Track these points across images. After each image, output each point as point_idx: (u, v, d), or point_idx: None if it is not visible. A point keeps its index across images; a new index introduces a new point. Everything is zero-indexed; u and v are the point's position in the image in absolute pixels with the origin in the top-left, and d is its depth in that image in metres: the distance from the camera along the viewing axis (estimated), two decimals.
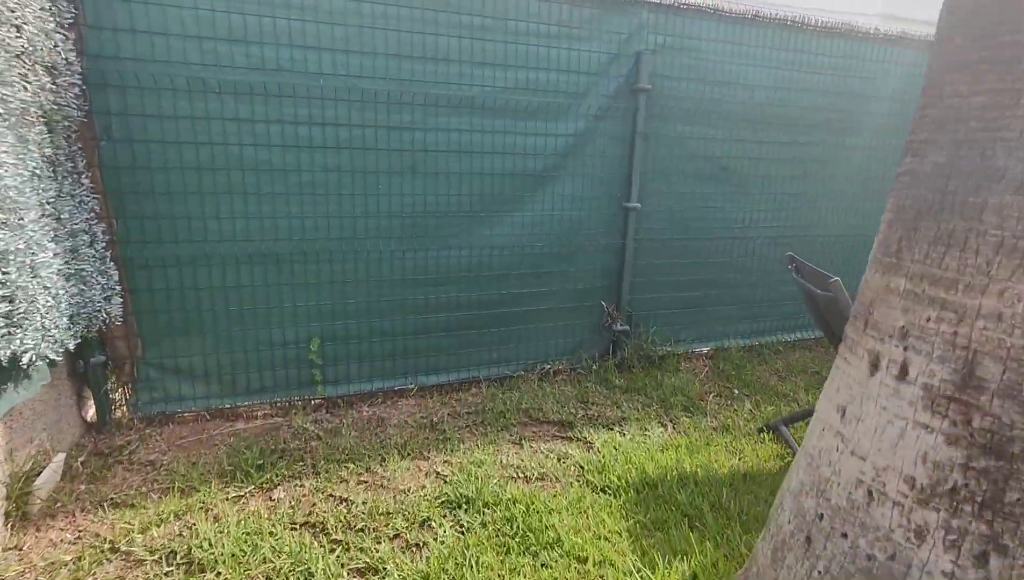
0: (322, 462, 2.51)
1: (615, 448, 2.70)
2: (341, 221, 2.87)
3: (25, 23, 1.90)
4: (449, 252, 3.12)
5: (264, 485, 2.35)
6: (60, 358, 2.08)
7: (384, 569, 1.89)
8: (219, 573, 1.85)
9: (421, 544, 2.03)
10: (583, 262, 3.44)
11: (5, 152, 1.78)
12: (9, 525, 2.00)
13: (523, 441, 2.77)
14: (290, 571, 1.87)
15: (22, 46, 1.88)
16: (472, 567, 1.89)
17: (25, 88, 1.90)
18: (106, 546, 1.96)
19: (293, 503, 2.23)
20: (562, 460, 2.61)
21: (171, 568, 1.88)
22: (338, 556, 1.94)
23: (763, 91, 3.57)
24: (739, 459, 2.65)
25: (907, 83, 3.93)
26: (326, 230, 2.86)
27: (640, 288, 3.64)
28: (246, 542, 1.98)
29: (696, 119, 3.46)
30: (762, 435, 2.90)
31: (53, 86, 2.08)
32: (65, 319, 2.08)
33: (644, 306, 3.69)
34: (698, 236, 3.70)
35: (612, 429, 2.91)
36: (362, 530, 2.08)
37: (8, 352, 1.77)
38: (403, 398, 3.19)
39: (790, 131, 3.73)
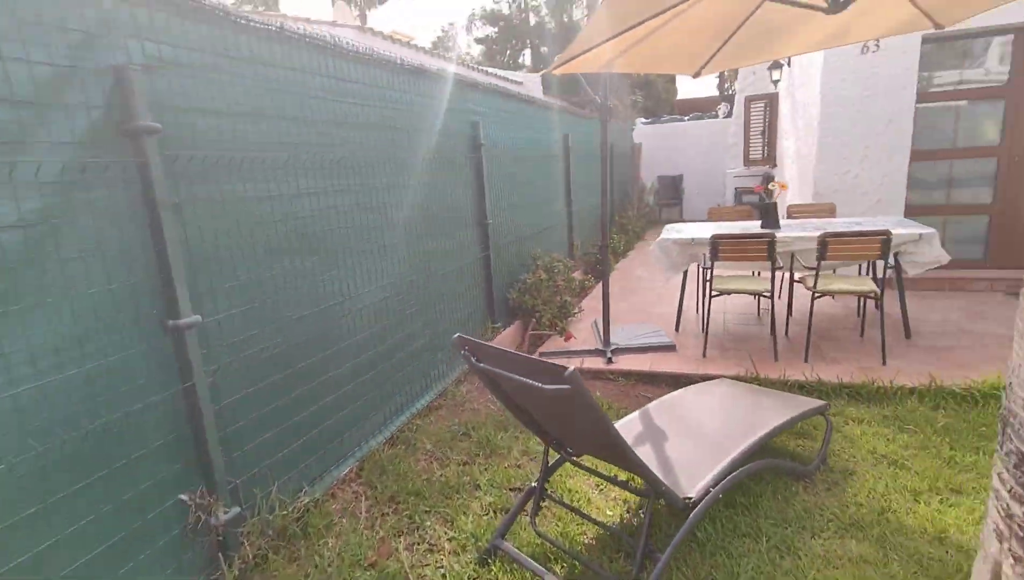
0: None
1: None
2: None
3: None
4: None
5: None
6: None
7: None
8: None
9: None
10: (125, 450, 1.84)
11: None
12: None
13: None
14: None
15: None
16: None
17: None
18: None
19: None
20: None
21: None
22: None
23: (317, 128, 2.74)
24: None
25: (450, 119, 3.90)
26: None
27: (238, 438, 2.29)
28: None
29: (250, 171, 2.33)
30: (490, 567, 2.19)
31: None
32: None
33: (253, 460, 2.36)
34: (297, 330, 2.60)
35: None
36: None
37: None
38: None
39: (360, 174, 3.06)
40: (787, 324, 4.68)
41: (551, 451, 2.31)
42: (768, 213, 4.68)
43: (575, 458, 2.32)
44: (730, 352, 4.24)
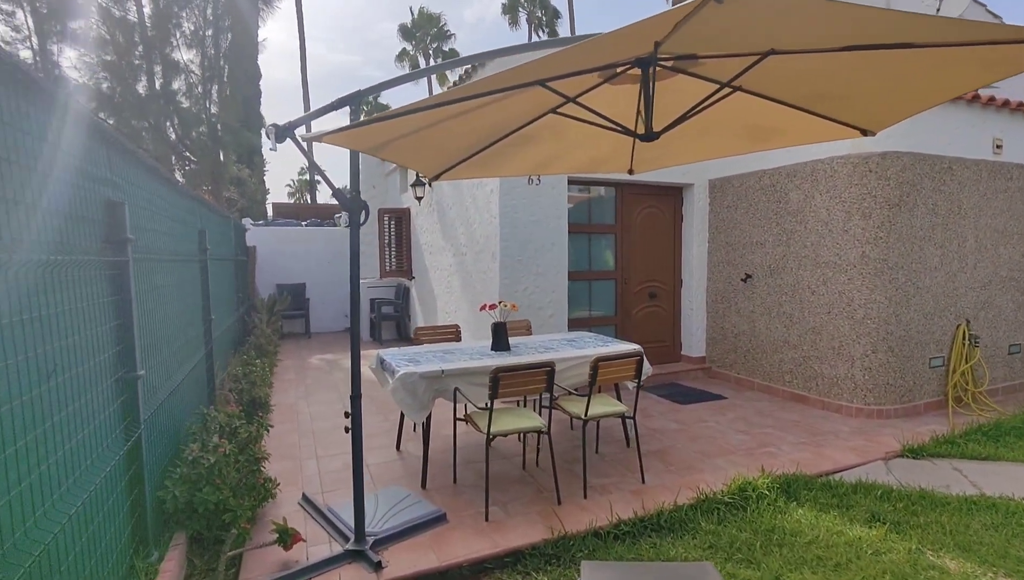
0: None
1: None
2: None
3: None
4: None
5: None
6: None
7: None
8: None
9: None
10: None
11: None
12: None
13: None
14: None
15: None
16: None
17: None
18: None
19: None
20: None
21: None
22: None
23: None
24: None
25: None
26: None
27: None
28: None
29: None
30: None
31: None
32: None
33: None
34: None
35: None
36: None
37: None
38: None
39: None
40: (551, 457, 4.31)
41: None
42: (499, 334, 4.34)
43: None
44: (509, 507, 3.51)
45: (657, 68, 2.60)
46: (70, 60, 12.61)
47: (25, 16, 12.42)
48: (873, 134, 3.13)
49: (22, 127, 1.72)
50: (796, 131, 3.30)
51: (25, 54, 12.44)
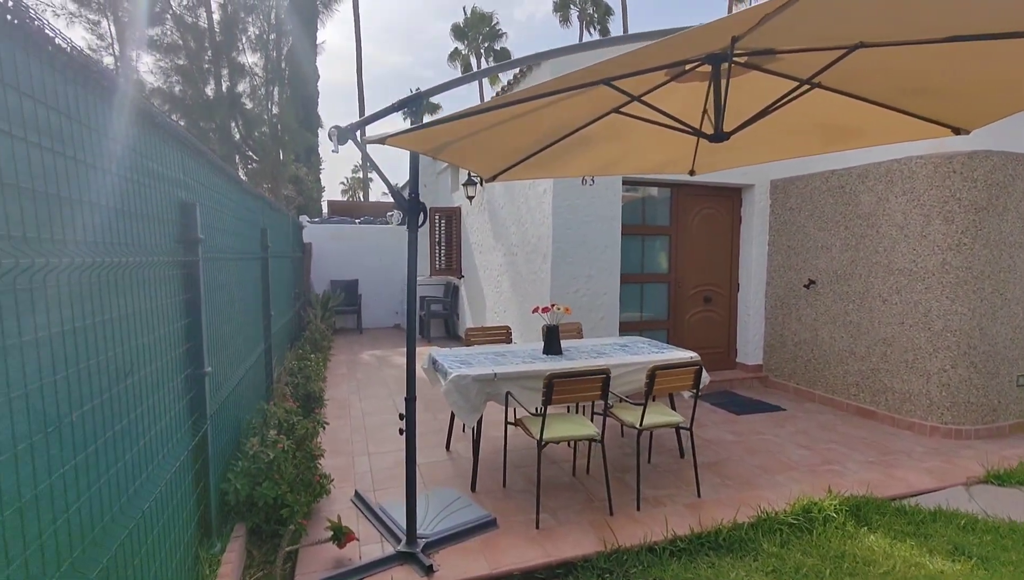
0: None
1: None
2: None
3: None
4: None
5: None
6: None
7: None
8: None
9: None
10: None
11: None
12: None
13: None
14: None
15: None
16: None
17: None
18: None
19: None
20: None
21: None
22: None
23: None
24: None
25: None
26: None
27: None
28: None
29: None
30: None
31: None
32: None
33: None
34: None
35: None
36: None
37: None
38: None
39: None
40: (604, 466, 4.23)
41: None
42: (552, 337, 4.28)
43: None
44: (560, 514, 3.45)
45: (731, 65, 2.46)
46: (147, 65, 13.34)
47: (108, 25, 13.23)
48: (967, 132, 2.90)
49: (110, 134, 1.79)
50: (877, 131, 3.09)
51: (107, 60, 13.25)
